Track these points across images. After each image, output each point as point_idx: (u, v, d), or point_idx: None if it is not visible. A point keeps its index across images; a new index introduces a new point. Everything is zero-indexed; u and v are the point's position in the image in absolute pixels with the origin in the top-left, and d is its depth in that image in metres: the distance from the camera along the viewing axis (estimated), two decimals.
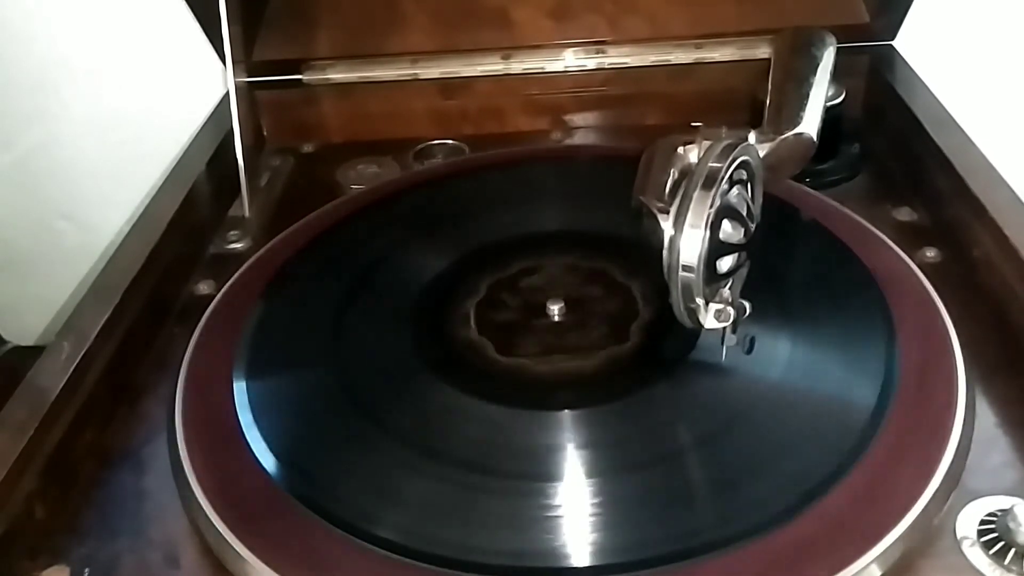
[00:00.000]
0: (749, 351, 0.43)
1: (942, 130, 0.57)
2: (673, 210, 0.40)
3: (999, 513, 0.36)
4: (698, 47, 0.68)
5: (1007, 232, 0.47)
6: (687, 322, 0.42)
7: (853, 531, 0.35)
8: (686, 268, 0.39)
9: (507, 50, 0.68)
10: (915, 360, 0.42)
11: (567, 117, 0.70)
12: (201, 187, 0.60)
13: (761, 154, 0.45)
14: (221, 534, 0.37)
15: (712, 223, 0.39)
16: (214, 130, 0.66)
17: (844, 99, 0.58)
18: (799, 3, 0.66)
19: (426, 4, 0.68)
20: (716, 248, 0.40)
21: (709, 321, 0.41)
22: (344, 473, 0.40)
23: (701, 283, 0.40)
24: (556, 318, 0.48)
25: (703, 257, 0.39)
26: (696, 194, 0.39)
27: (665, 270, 0.40)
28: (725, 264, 0.42)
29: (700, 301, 0.41)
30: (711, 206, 0.39)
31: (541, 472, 0.39)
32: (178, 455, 0.41)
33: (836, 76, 0.54)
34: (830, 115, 0.54)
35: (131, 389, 0.47)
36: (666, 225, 0.40)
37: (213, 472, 0.40)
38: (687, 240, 0.39)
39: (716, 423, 0.41)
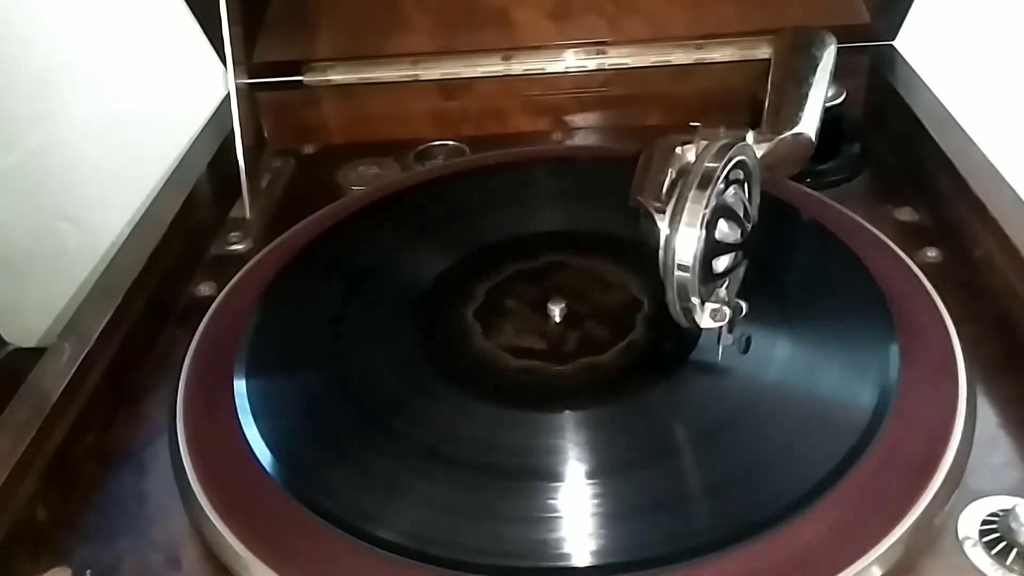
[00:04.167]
0: (745, 351, 0.43)
1: (943, 130, 0.56)
2: (669, 210, 0.40)
3: (1001, 513, 0.36)
4: (698, 48, 0.68)
5: (1008, 232, 0.47)
6: (683, 322, 0.42)
7: (854, 531, 0.35)
8: (682, 267, 0.39)
9: (507, 51, 0.69)
10: (916, 360, 0.42)
11: (568, 118, 0.70)
12: (202, 188, 0.60)
13: (759, 154, 0.45)
14: (222, 535, 0.37)
15: (708, 223, 0.39)
16: (215, 131, 0.66)
17: (845, 99, 0.58)
18: (799, 3, 0.66)
19: (427, 5, 0.68)
20: (712, 248, 0.40)
21: (705, 321, 0.41)
22: (345, 474, 0.40)
23: (697, 283, 0.40)
24: (557, 319, 0.48)
25: (699, 257, 0.39)
26: (692, 194, 0.39)
27: (661, 269, 0.40)
28: (721, 264, 0.42)
29: (696, 301, 0.40)
30: (707, 206, 0.39)
31: (541, 473, 0.39)
32: (179, 456, 0.41)
33: (837, 76, 0.54)
34: (831, 115, 0.54)
35: (132, 390, 0.47)
36: (662, 224, 0.40)
37: (214, 473, 0.40)
38: (682, 239, 0.39)
39: (717, 423, 0.41)
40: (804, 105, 0.48)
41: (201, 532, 0.38)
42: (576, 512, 0.37)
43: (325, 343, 0.48)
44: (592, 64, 0.69)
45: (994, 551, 0.35)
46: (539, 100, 0.70)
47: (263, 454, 0.40)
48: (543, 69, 0.69)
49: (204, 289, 0.55)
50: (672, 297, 0.41)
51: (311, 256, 0.54)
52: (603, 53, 0.69)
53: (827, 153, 0.58)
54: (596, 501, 0.37)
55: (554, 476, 0.39)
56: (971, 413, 0.40)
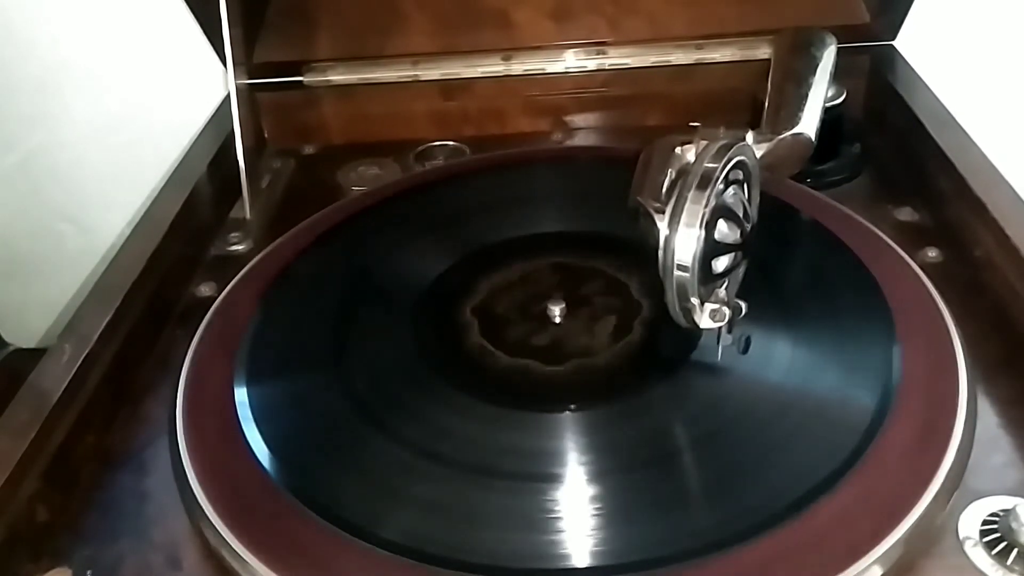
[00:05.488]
0: (745, 351, 0.43)
1: (943, 130, 0.56)
2: (669, 210, 0.40)
3: (1001, 513, 0.36)
4: (698, 48, 0.68)
5: (1008, 232, 0.46)
6: (682, 322, 0.42)
7: (855, 531, 0.35)
8: (681, 268, 0.39)
9: (508, 51, 0.69)
10: (916, 360, 0.42)
11: (568, 118, 0.71)
12: (202, 189, 0.60)
13: (758, 154, 0.45)
14: (222, 535, 0.37)
15: (707, 223, 0.39)
16: (215, 132, 0.66)
17: (845, 99, 0.58)
18: (799, 3, 0.66)
19: (427, 5, 0.68)
20: (711, 248, 0.40)
21: (704, 321, 0.41)
22: (345, 474, 0.40)
23: (696, 283, 0.40)
24: (557, 319, 0.48)
25: (698, 257, 0.39)
26: (691, 194, 0.39)
27: (661, 270, 0.40)
28: (721, 264, 0.42)
29: (695, 301, 0.40)
30: (706, 206, 0.39)
31: (542, 473, 0.39)
32: (179, 457, 0.41)
33: (837, 76, 0.54)
34: (831, 115, 0.54)
35: (133, 391, 0.47)
36: (662, 225, 0.40)
37: (214, 473, 0.40)
38: (682, 240, 0.39)
39: (717, 423, 0.41)
40: (804, 105, 0.48)
41: (201, 532, 0.38)
42: (577, 512, 0.37)
43: (325, 344, 0.48)
44: (592, 64, 0.69)
45: (995, 551, 0.35)
46: (539, 100, 0.70)
47: (263, 454, 0.40)
48: (543, 69, 0.69)
49: (204, 289, 0.55)
50: (672, 297, 0.41)
51: (312, 257, 0.54)
52: (603, 53, 0.69)
53: (827, 153, 0.58)
54: (596, 501, 0.37)
55: (555, 476, 0.39)
56: (971, 413, 0.40)
